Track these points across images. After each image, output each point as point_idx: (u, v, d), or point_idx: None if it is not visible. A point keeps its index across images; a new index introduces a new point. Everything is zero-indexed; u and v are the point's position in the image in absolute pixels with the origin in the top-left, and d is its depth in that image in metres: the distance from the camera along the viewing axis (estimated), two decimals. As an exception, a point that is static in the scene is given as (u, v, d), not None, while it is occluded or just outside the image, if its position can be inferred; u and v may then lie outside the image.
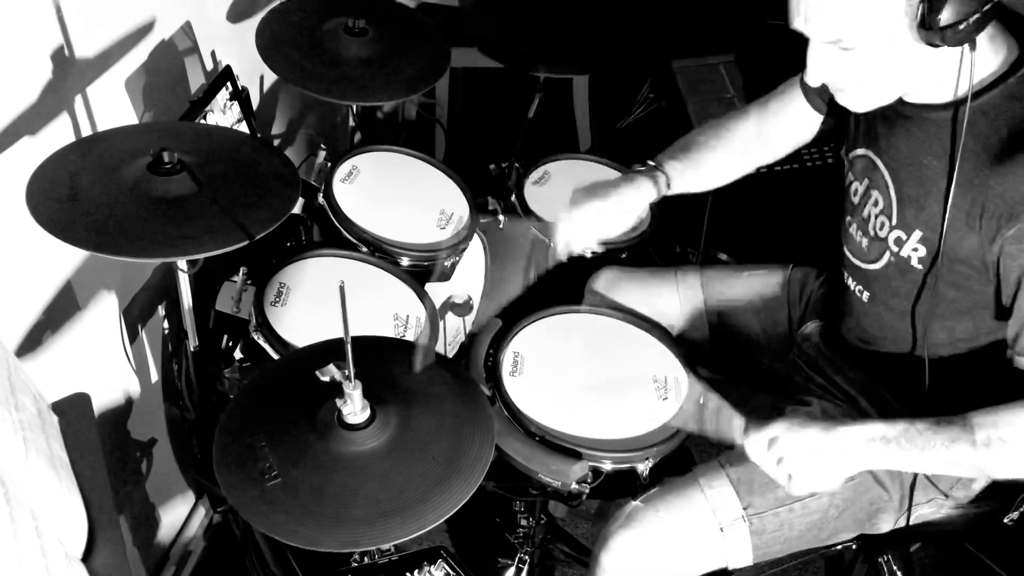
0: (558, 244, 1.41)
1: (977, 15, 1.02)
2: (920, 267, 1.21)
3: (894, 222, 1.23)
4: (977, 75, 1.10)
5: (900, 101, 1.18)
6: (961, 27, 1.02)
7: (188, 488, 1.96)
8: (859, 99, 1.17)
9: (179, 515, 1.94)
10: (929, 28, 1.03)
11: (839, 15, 1.06)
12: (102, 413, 1.57)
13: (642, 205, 1.44)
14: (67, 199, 1.18)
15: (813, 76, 1.14)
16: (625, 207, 1.41)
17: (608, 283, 1.63)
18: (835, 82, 1.16)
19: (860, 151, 1.29)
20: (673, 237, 2.34)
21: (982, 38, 1.07)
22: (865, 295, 1.32)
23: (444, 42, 1.80)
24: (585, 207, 1.40)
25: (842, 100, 1.18)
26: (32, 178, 1.19)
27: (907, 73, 1.12)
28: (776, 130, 1.46)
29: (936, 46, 1.05)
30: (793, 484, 1.18)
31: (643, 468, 1.33)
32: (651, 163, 1.46)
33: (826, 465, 1.17)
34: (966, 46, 1.07)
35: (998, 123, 1.10)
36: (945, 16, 1.01)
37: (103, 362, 1.57)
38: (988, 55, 1.10)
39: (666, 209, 1.83)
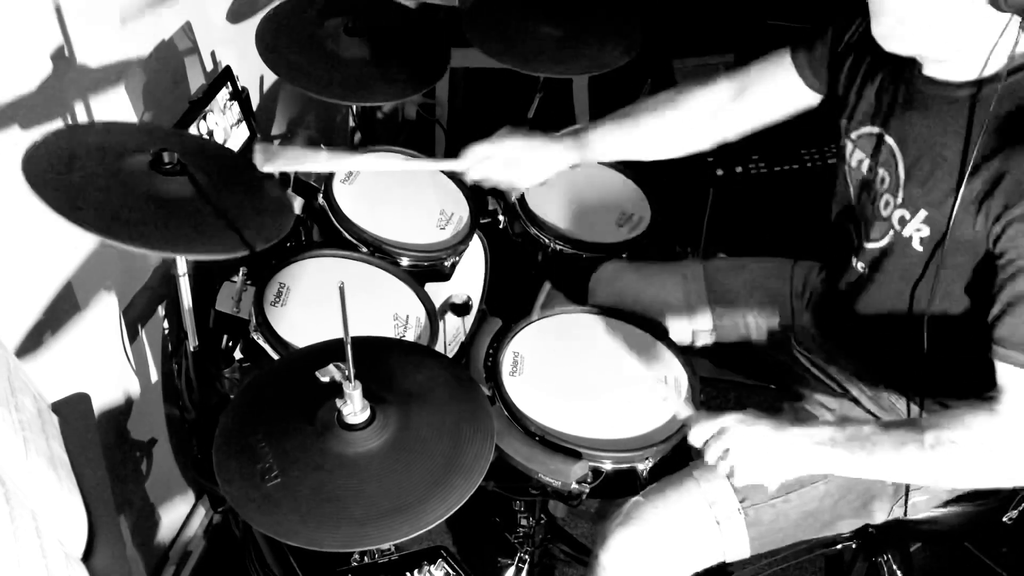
0: (467, 162, 1.40)
1: None
2: (921, 248, 1.20)
3: (899, 201, 1.21)
4: (1007, 55, 1.09)
5: (919, 77, 1.17)
6: None
7: (188, 488, 1.96)
8: (892, 33, 1.12)
9: (179, 515, 1.94)
10: None
11: None
12: (102, 413, 1.57)
13: (556, 165, 1.43)
14: (64, 172, 1.17)
15: None
16: (537, 156, 1.41)
17: (612, 275, 1.63)
18: (880, 4, 1.11)
19: (866, 129, 1.27)
20: (673, 237, 2.34)
21: (1015, 21, 1.05)
22: (866, 272, 1.31)
23: (444, 42, 1.80)
24: (506, 143, 1.40)
25: (875, 27, 1.13)
26: (28, 154, 1.17)
27: (947, 29, 1.08)
28: (757, 97, 1.41)
29: (1000, 9, 1.02)
30: (735, 476, 1.18)
31: (643, 468, 1.34)
32: (577, 127, 1.46)
33: (770, 462, 1.16)
34: (1015, 19, 1.04)
35: (1013, 105, 1.09)
36: None
37: (103, 362, 1.57)
38: (1021, 38, 1.08)
39: (666, 209, 1.84)
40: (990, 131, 1.10)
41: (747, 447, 1.16)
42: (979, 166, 1.10)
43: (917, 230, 1.19)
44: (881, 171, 1.24)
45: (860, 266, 1.32)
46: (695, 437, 1.20)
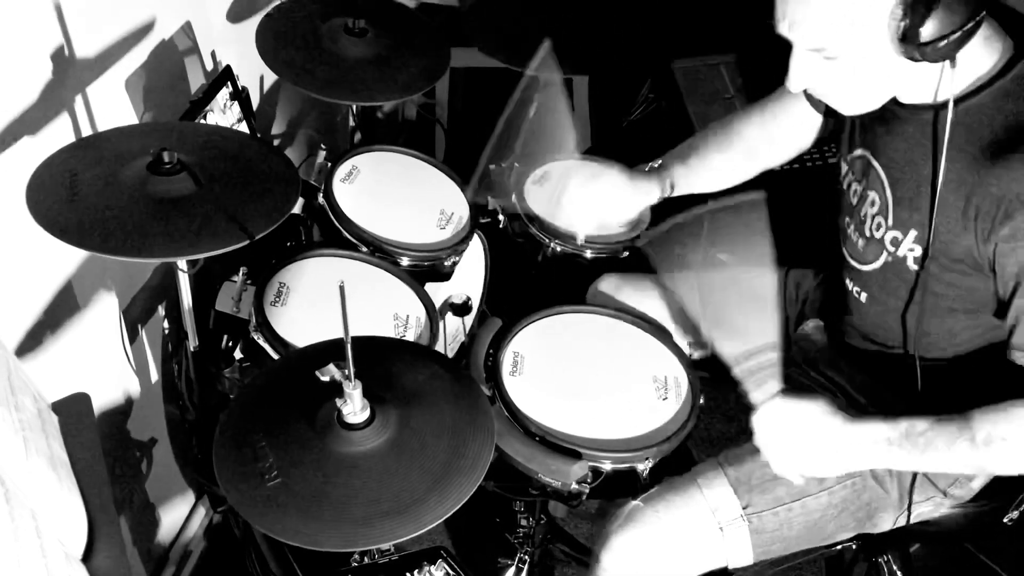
0: (566, 221, 1.47)
1: (958, 33, 1.02)
2: (916, 267, 1.21)
3: (890, 222, 1.23)
4: (972, 74, 1.11)
5: (894, 101, 1.19)
6: (941, 44, 1.03)
7: (188, 488, 1.96)
8: (844, 104, 1.18)
9: (179, 515, 1.94)
10: (909, 43, 1.04)
11: (823, 23, 1.06)
12: (102, 413, 1.57)
13: (642, 205, 1.47)
14: (67, 199, 1.19)
15: (795, 82, 1.15)
16: (625, 202, 1.46)
17: (610, 291, 1.64)
18: (816, 88, 1.17)
19: (858, 152, 1.30)
20: (673, 238, 2.33)
21: (976, 38, 1.07)
22: (863, 296, 1.32)
23: (444, 42, 1.80)
24: (590, 187, 1.45)
25: (829, 103, 1.20)
26: (32, 178, 1.19)
27: (891, 81, 1.13)
28: (780, 132, 1.46)
29: (916, 60, 1.06)
30: (791, 471, 1.19)
31: (643, 468, 1.33)
32: (656, 165, 1.47)
33: (827, 457, 1.17)
34: (947, 62, 1.07)
35: (993, 122, 1.10)
36: (926, 32, 1.02)
37: (103, 362, 1.57)
38: (982, 54, 1.10)
39: (665, 209, 1.84)
40: (965, 150, 1.11)
41: (807, 440, 1.17)
42: (959, 185, 1.12)
43: (910, 250, 1.21)
44: (871, 194, 1.26)
45: (856, 288, 1.33)
46: (759, 420, 1.20)
